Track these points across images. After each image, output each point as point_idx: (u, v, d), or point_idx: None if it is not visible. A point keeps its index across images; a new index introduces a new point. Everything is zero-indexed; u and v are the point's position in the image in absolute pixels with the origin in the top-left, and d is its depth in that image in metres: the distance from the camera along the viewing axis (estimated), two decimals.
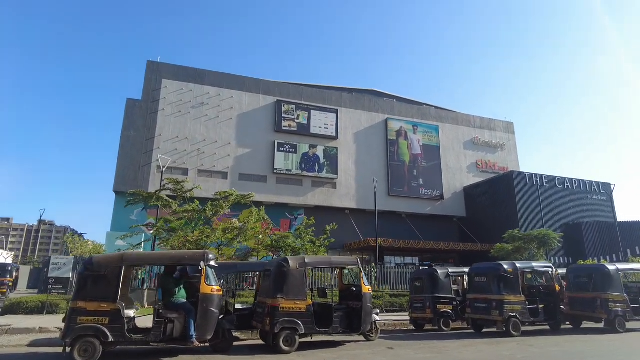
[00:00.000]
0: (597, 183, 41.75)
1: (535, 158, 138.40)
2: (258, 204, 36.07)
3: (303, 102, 39.33)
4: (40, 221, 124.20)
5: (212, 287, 8.19)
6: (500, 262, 11.99)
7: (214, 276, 8.49)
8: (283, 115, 38.22)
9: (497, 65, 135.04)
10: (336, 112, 40.13)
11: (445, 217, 42.58)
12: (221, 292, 8.58)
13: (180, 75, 36.71)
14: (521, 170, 43.35)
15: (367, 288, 10.01)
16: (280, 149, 37.26)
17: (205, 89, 36.96)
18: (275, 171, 36.66)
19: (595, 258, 36.47)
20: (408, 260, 39.52)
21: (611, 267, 12.20)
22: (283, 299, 8.91)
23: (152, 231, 17.95)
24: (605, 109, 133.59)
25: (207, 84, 37.20)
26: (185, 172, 34.78)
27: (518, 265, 12.03)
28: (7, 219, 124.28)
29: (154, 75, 35.98)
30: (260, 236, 18.09)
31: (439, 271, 13.67)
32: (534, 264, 13.26)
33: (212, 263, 8.45)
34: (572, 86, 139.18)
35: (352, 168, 39.74)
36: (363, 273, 10.46)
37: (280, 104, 38.38)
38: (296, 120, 38.59)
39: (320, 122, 39.33)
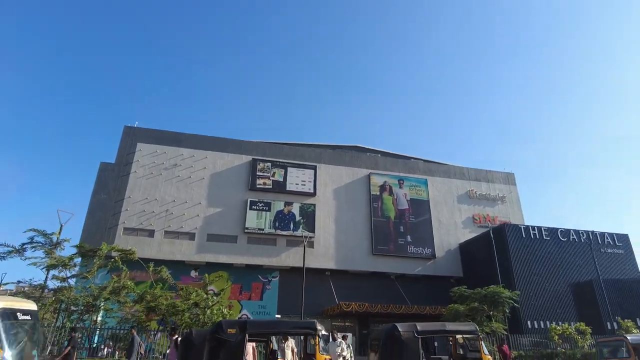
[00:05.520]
0: (611, 234, 37.02)
1: (554, 211, 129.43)
2: (227, 266, 34.88)
3: (279, 160, 38.54)
4: None
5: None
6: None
7: None
8: (258, 173, 37.37)
9: (499, 115, 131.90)
10: (314, 168, 38.93)
11: (441, 278, 38.54)
12: None
13: (156, 139, 37.19)
14: (527, 224, 39.48)
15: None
16: (253, 207, 35.92)
17: (180, 150, 37.11)
18: (246, 230, 35.04)
19: (615, 322, 31.30)
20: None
21: (404, 327, 8.49)
22: None
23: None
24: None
25: (183, 146, 37.39)
26: (151, 233, 33.88)
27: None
28: None
29: (130, 139, 36.65)
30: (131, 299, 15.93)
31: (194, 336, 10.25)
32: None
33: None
34: (587, 132, 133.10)
35: (331, 226, 37.48)
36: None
37: (256, 162, 37.74)
38: (271, 178, 37.56)
39: (297, 179, 38.09)
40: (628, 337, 11.69)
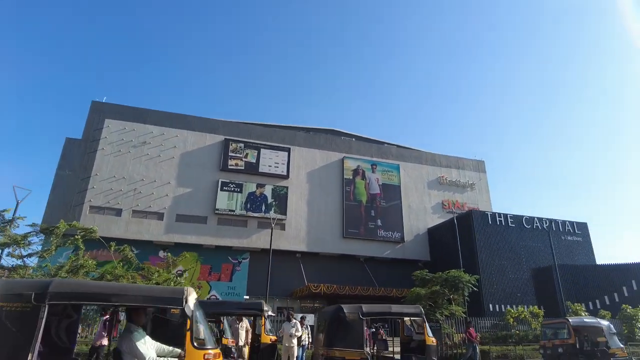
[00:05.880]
0: (572, 223, 38.53)
1: (525, 200, 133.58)
2: (196, 247, 34.66)
3: (252, 141, 38.11)
4: None
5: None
6: None
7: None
8: (230, 154, 36.89)
9: (473, 104, 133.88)
10: (288, 150, 38.71)
11: (409, 262, 39.32)
12: None
13: (125, 115, 36.10)
14: (494, 210, 40.59)
15: None
16: (224, 188, 35.57)
17: (149, 128, 36.16)
18: (216, 211, 34.74)
19: (569, 304, 32.87)
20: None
21: (349, 309, 8.15)
22: None
23: None
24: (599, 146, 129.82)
25: (152, 124, 36.43)
26: (118, 212, 33.19)
27: None
28: None
29: (98, 114, 35.47)
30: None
31: None
32: None
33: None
34: (556, 123, 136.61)
35: (303, 208, 37.59)
36: None
37: (228, 142, 37.21)
38: (244, 159, 37.16)
39: (271, 161, 37.82)
40: (570, 320, 12.30)
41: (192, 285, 33.12)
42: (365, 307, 8.15)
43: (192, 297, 5.25)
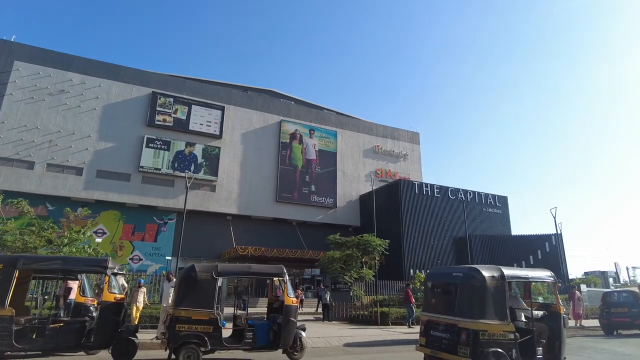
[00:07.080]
0: (493, 196, 40.83)
1: (458, 174, 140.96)
2: (119, 205, 33.06)
3: (183, 96, 36.16)
4: None
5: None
6: None
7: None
8: (158, 109, 34.82)
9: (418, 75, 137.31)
10: (222, 109, 37.22)
11: (340, 227, 39.95)
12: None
13: (39, 59, 32.70)
14: (425, 181, 41.98)
15: None
16: (150, 144, 33.76)
17: (68, 75, 33.11)
18: (140, 169, 33.05)
19: None
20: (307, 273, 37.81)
21: (201, 268, 7.91)
22: None
23: None
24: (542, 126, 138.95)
25: (73, 71, 33.38)
26: (30, 165, 30.63)
27: None
28: None
29: (5, 55, 31.82)
30: None
31: None
32: None
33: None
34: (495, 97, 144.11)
35: (236, 171, 36.73)
36: None
37: (156, 96, 35.02)
38: (173, 115, 35.28)
39: (202, 119, 36.23)
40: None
41: (112, 244, 31.90)
42: (221, 267, 7.90)
43: None
